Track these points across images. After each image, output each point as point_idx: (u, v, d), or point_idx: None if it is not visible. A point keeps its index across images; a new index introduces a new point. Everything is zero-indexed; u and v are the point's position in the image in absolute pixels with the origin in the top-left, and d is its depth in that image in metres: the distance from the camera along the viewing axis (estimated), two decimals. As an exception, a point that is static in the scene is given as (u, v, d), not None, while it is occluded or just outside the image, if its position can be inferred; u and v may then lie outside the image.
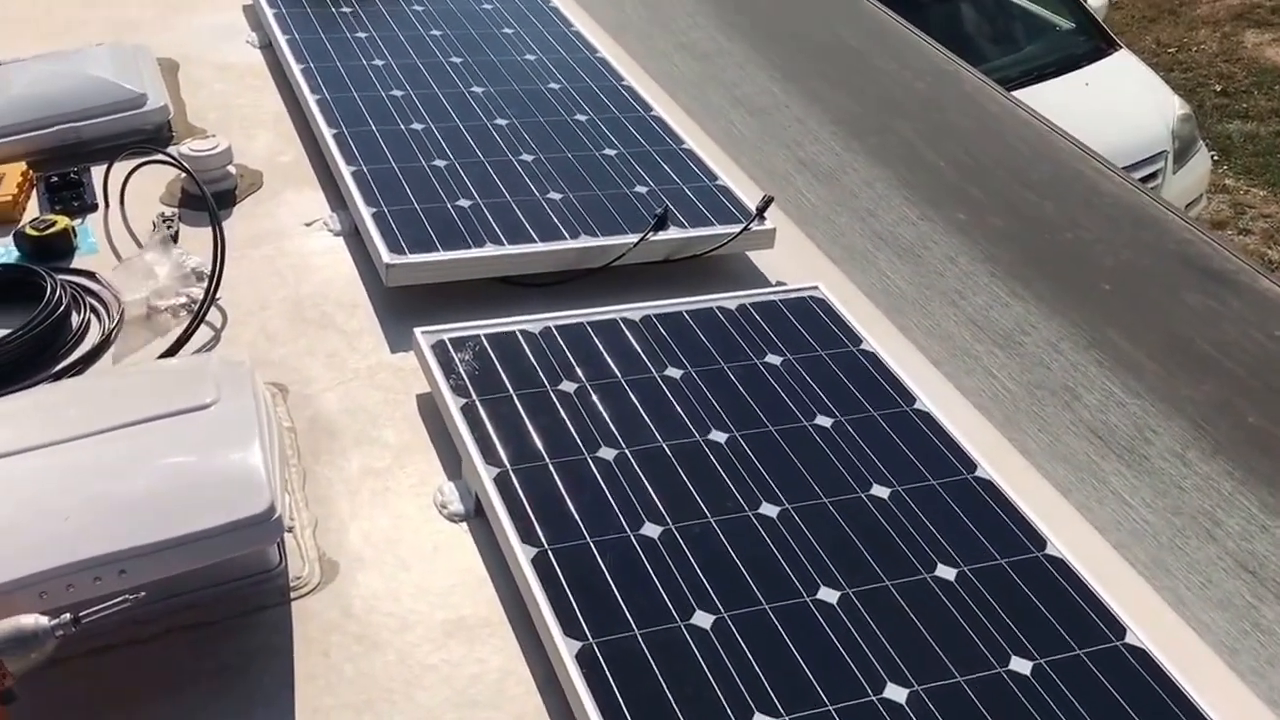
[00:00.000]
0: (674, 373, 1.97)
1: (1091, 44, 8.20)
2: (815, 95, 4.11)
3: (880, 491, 1.78)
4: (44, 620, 1.33)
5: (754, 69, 4.15)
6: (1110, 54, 8.12)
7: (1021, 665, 1.54)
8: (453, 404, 1.86)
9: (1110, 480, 2.14)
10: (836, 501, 1.76)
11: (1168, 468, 2.27)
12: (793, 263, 2.45)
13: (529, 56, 2.89)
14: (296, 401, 1.98)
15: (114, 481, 1.50)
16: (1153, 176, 7.39)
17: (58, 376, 2.01)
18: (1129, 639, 1.60)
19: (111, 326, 2.11)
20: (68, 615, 1.34)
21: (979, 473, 1.84)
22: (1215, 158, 8.65)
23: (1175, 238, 4.17)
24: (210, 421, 1.59)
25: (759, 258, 2.45)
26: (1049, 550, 1.72)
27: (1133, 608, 1.68)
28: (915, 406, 1.97)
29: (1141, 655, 1.58)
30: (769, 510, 1.73)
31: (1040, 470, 2.09)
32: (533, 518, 1.68)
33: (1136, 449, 2.31)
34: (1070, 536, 1.81)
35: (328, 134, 2.46)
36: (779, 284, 2.37)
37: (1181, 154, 7.69)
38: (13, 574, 1.39)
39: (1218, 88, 9.69)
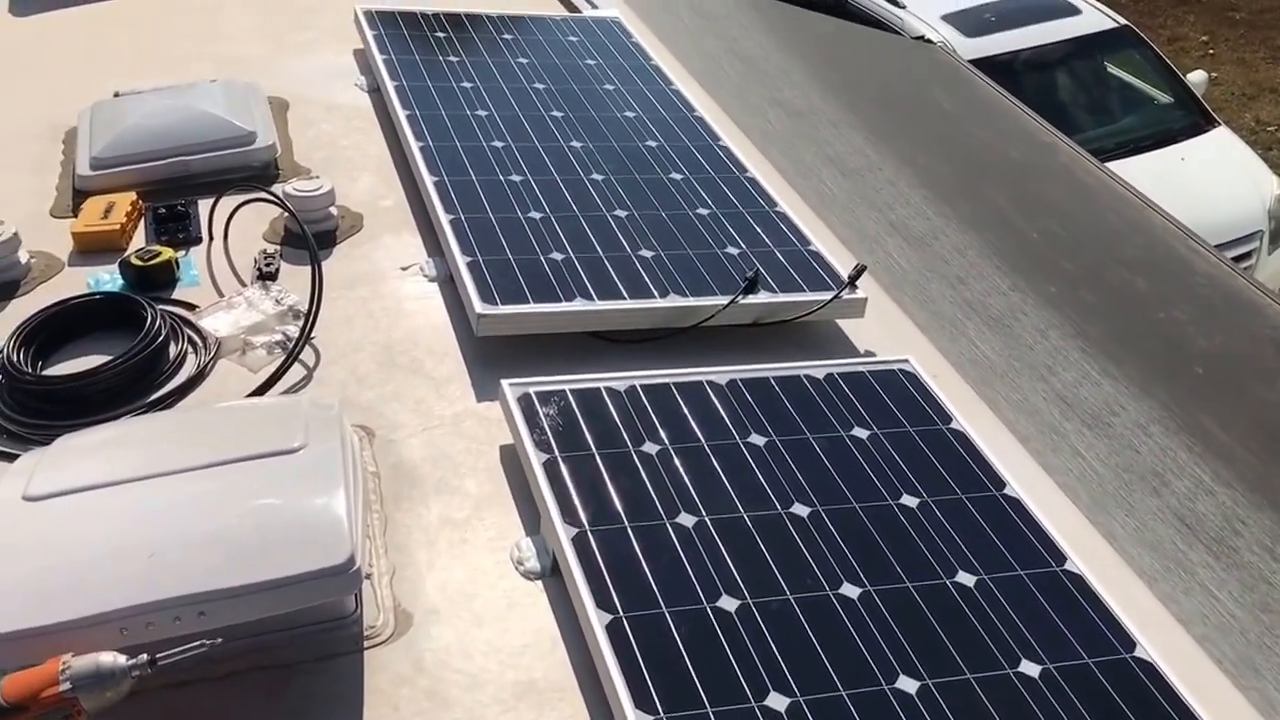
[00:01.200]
0: (757, 440, 1.96)
1: (1189, 119, 8.09)
2: (908, 158, 4.09)
3: (966, 579, 1.75)
4: (122, 659, 1.34)
5: (847, 128, 4.15)
6: (1208, 130, 8.01)
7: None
8: (535, 459, 1.86)
9: (1198, 572, 2.08)
10: (920, 587, 1.72)
11: (1257, 561, 2.21)
12: (881, 328, 2.43)
13: (628, 113, 2.91)
14: (382, 446, 1.99)
15: (199, 521, 1.52)
16: (1247, 256, 7.26)
17: (152, 407, 2.04)
18: (1217, 751, 1.55)
19: (207, 360, 2.14)
20: (145, 656, 1.35)
21: (1068, 565, 1.80)
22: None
23: (1271, 324, 4.08)
24: (298, 466, 1.60)
25: (847, 322, 2.42)
26: (1138, 653, 1.67)
27: (1221, 713, 1.63)
28: (1005, 491, 1.93)
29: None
30: (850, 591, 1.70)
31: (1125, 556, 2.04)
32: (609, 582, 1.67)
33: (1225, 540, 2.25)
34: (1155, 630, 1.77)
35: (429, 181, 2.49)
36: (867, 352, 2.34)
37: (1277, 234, 7.55)
38: (96, 608, 1.41)
39: (1321, 169, 9.49)
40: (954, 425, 2.06)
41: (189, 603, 1.43)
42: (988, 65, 6.49)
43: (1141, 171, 6.63)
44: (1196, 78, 8.41)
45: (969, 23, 8.08)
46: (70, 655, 1.33)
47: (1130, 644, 1.68)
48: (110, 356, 2.10)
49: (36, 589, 1.43)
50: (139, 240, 2.49)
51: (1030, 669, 1.62)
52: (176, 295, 2.33)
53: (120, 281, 2.34)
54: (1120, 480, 2.27)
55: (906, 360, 2.21)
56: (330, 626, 1.65)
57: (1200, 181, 7.30)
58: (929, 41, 7.02)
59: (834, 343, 2.38)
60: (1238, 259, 7.14)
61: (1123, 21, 8.35)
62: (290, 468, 1.59)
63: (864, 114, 4.38)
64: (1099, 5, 8.50)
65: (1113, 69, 8.42)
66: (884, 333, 2.43)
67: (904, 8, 8.16)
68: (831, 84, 4.59)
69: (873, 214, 3.44)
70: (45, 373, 2.11)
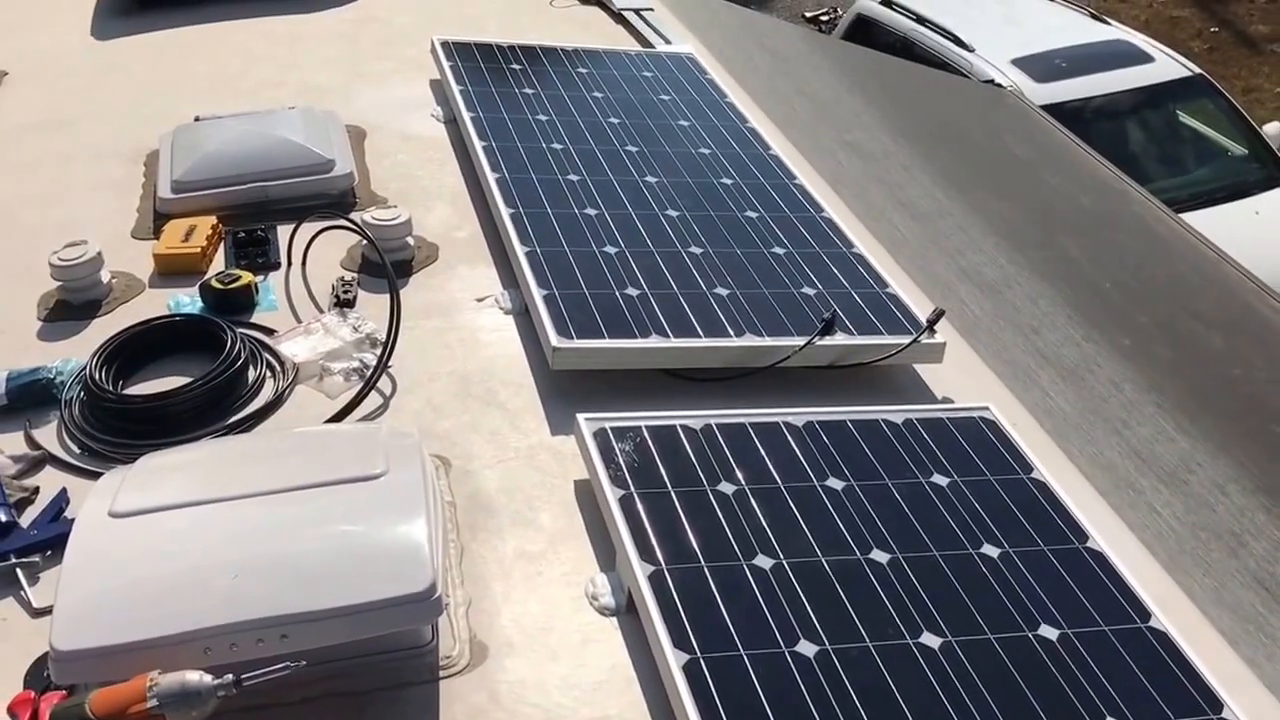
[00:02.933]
0: (835, 484, 1.94)
1: (1264, 171, 7.98)
2: (979, 204, 4.06)
3: (1049, 633, 1.71)
4: (208, 679, 1.35)
5: (918, 172, 4.13)
6: (1283, 183, 7.91)
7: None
8: (611, 495, 1.85)
9: (1279, 635, 2.03)
10: (1002, 639, 1.69)
11: None
12: (955, 375, 2.40)
13: (703, 150, 2.91)
14: (458, 476, 1.98)
15: (282, 544, 1.52)
16: (1319, 313, 7.13)
17: (230, 429, 2.05)
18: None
19: (285, 385, 2.15)
20: (230, 676, 1.35)
21: (1153, 623, 1.76)
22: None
23: (1349, 384, 4.00)
24: (379, 493, 1.60)
25: (923, 367, 2.39)
26: (1225, 714, 1.63)
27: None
28: (1088, 545, 1.89)
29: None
30: (930, 641, 1.67)
31: (1208, 616, 1.99)
32: (686, 622, 1.65)
33: None
34: (1240, 692, 1.72)
35: (505, 213, 2.50)
36: (945, 398, 2.32)
37: (1349, 291, 7.41)
38: (182, 626, 1.41)
39: (1394, 226, 9.33)
40: (1035, 475, 2.03)
41: (272, 625, 1.43)
42: (1057, 112, 6.43)
43: (1215, 224, 6.54)
44: (1272, 129, 8.30)
45: (1039, 68, 8.03)
46: (157, 672, 1.34)
47: (1218, 705, 1.64)
48: (190, 378, 2.11)
49: (124, 605, 1.44)
50: (218, 264, 2.51)
51: (1116, 728, 1.58)
52: (255, 319, 2.35)
53: (200, 304, 2.36)
54: (1198, 539, 2.23)
55: (987, 408, 2.18)
56: (406, 655, 1.64)
57: (1275, 235, 7.19)
58: (999, 86, 6.99)
59: (910, 387, 2.35)
60: (1308, 315, 7.01)
61: (1196, 70, 8.27)
62: (372, 494, 1.59)
63: (935, 158, 4.36)
64: (1172, 54, 8.43)
65: (1185, 118, 8.34)
66: (958, 378, 2.40)
67: (973, 51, 8.13)
68: (902, 127, 4.58)
69: (944, 259, 3.42)
70: (126, 392, 2.13)
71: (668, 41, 3.70)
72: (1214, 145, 8.30)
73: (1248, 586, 2.16)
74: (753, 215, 2.63)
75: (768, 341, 2.21)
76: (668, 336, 2.18)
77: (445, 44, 3.26)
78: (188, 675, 1.34)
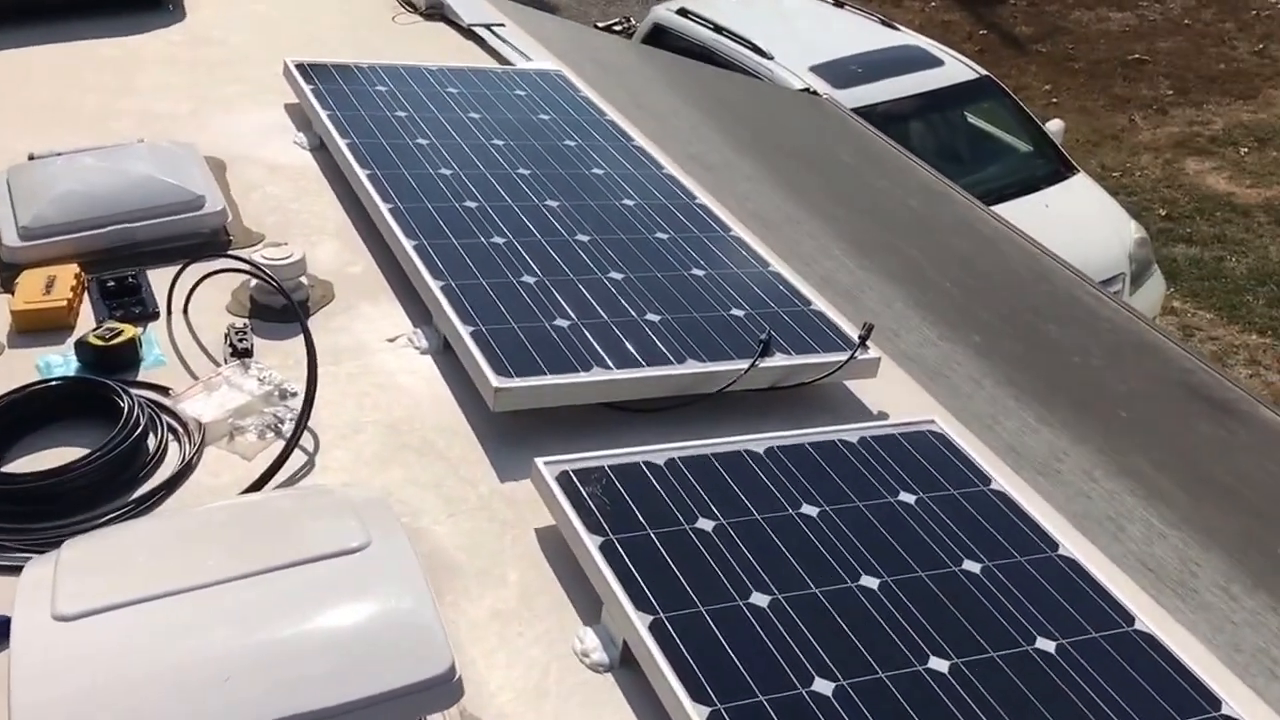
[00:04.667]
0: (810, 510, 1.87)
1: (1050, 166, 8.36)
2: (822, 211, 4.09)
3: (1046, 645, 1.69)
4: (228, 800, 1.18)
5: (761, 183, 4.13)
6: (1069, 177, 8.29)
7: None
8: (590, 543, 1.74)
9: (1167, 621, 2.06)
10: (1005, 656, 1.66)
11: (1217, 602, 2.22)
12: (882, 387, 2.37)
13: (596, 170, 2.81)
14: (410, 535, 1.83)
15: (273, 636, 1.36)
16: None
17: (139, 504, 1.85)
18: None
19: (193, 450, 1.95)
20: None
21: (1138, 625, 1.76)
22: (1161, 282, 8.83)
23: (1177, 366, 4.20)
24: (368, 567, 1.45)
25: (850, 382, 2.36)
26: (1225, 710, 1.63)
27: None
28: (1059, 552, 1.88)
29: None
30: (939, 665, 1.62)
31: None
32: (699, 672, 1.56)
33: (1185, 582, 2.26)
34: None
35: (408, 246, 2.35)
36: (881, 413, 2.28)
37: (1138, 276, 7.83)
38: (175, 744, 1.24)
39: (1162, 212, 9.93)
40: (994, 486, 2.01)
41: (280, 730, 1.27)
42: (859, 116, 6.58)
43: (1009, 219, 6.81)
44: (1054, 126, 8.70)
45: (837, 74, 8.21)
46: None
47: (1216, 702, 1.65)
48: (80, 449, 1.90)
49: (100, 724, 1.25)
50: (85, 317, 2.27)
51: (1137, 739, 1.56)
52: (141, 377, 2.13)
53: (75, 364, 2.13)
54: (1083, 528, 2.25)
55: (933, 420, 2.16)
56: (395, 741, 1.49)
57: (1065, 227, 7.53)
58: (815, 93, 7.11)
59: (842, 403, 2.31)
60: (1104, 301, 7.36)
61: (983, 72, 8.61)
62: (360, 569, 1.44)
63: (774, 167, 4.38)
64: (960, 57, 8.75)
65: (974, 119, 8.67)
66: (885, 391, 2.37)
67: (772, 58, 8.25)
68: (739, 138, 4.58)
69: (802, 267, 3.41)
70: (5, 470, 1.90)
71: (528, 58, 3.58)
72: (1002, 144, 8.65)
73: (1135, 570, 2.20)
74: (663, 237, 2.55)
75: (710, 367, 2.14)
76: (610, 368, 2.08)
77: (300, 66, 3.07)
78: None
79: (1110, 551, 2.17)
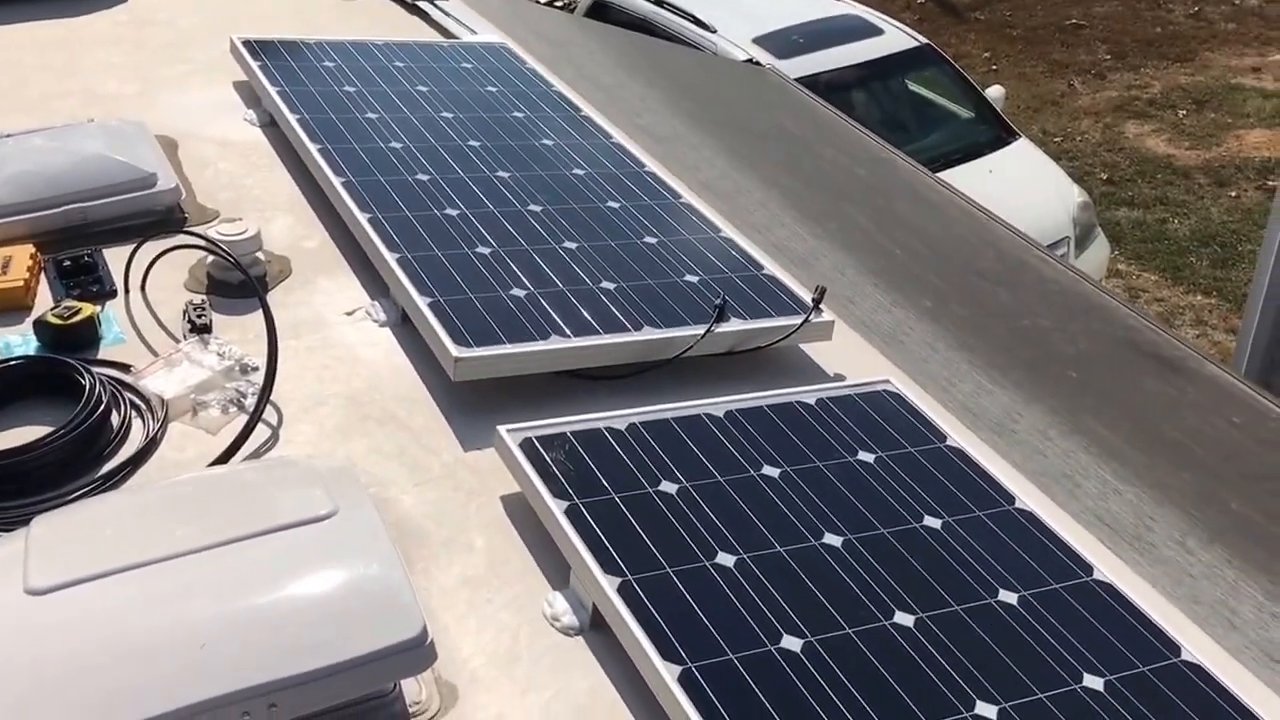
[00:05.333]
0: (771, 471, 1.90)
1: (992, 132, 8.44)
2: (771, 181, 4.12)
3: (1008, 597, 1.73)
4: (208, 764, 1.19)
5: (710, 153, 4.15)
6: (1011, 142, 8.37)
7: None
8: (555, 508, 1.76)
9: (1135, 569, 2.12)
10: (969, 609, 1.70)
11: (1174, 556, 2.27)
12: (837, 350, 2.40)
13: (545, 141, 2.82)
14: (376, 505, 1.84)
15: (246, 604, 1.37)
16: (1057, 262, 7.61)
17: (105, 480, 1.85)
18: None
19: (156, 426, 1.95)
20: (232, 758, 1.20)
21: (1097, 575, 1.81)
22: (1105, 244, 8.95)
23: (1123, 325, 4.27)
24: (337, 534, 1.46)
25: (806, 345, 2.38)
26: (1184, 656, 1.68)
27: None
28: (1016, 506, 1.92)
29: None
30: (904, 620, 1.66)
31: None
32: (669, 632, 1.58)
33: (1142, 537, 2.31)
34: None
35: (362, 219, 2.35)
36: (837, 375, 2.32)
37: (1082, 240, 7.93)
38: (154, 709, 1.25)
39: (1103, 176, 10.07)
40: (950, 442, 2.05)
41: (258, 694, 1.28)
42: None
43: (954, 186, 6.87)
44: (995, 92, 8.78)
45: (778, 45, 8.24)
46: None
47: (1175, 648, 1.69)
48: (44, 428, 1.89)
49: (77, 694, 1.26)
50: (43, 297, 2.26)
51: (1094, 682, 1.61)
52: (101, 355, 2.12)
53: (35, 344, 2.12)
54: (1040, 485, 2.30)
55: (888, 380, 2.19)
56: (371, 708, 1.51)
57: (1009, 192, 7.61)
58: (759, 64, 7.12)
59: (799, 367, 2.34)
60: (1048, 265, 7.45)
61: (923, 40, 8.66)
62: (328, 537, 1.46)
63: (721, 137, 4.40)
64: (900, 25, 8.80)
65: (915, 87, 8.73)
66: (842, 354, 2.40)
67: (714, 31, 8.26)
68: (685, 110, 4.59)
69: (755, 236, 3.44)
70: (-33, 449, 1.89)
71: (473, 31, 3.57)
72: (944, 111, 8.72)
73: (1092, 526, 2.25)
74: (615, 205, 2.57)
75: (667, 333, 2.16)
76: (568, 336, 2.10)
77: (247, 43, 3.05)
78: (183, 762, 1.19)
79: (1068, 508, 2.21)
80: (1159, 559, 2.23)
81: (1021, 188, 7.80)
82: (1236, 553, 2.36)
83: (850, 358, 2.39)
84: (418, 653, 1.36)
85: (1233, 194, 9.78)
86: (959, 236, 4.78)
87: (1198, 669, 1.66)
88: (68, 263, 2.30)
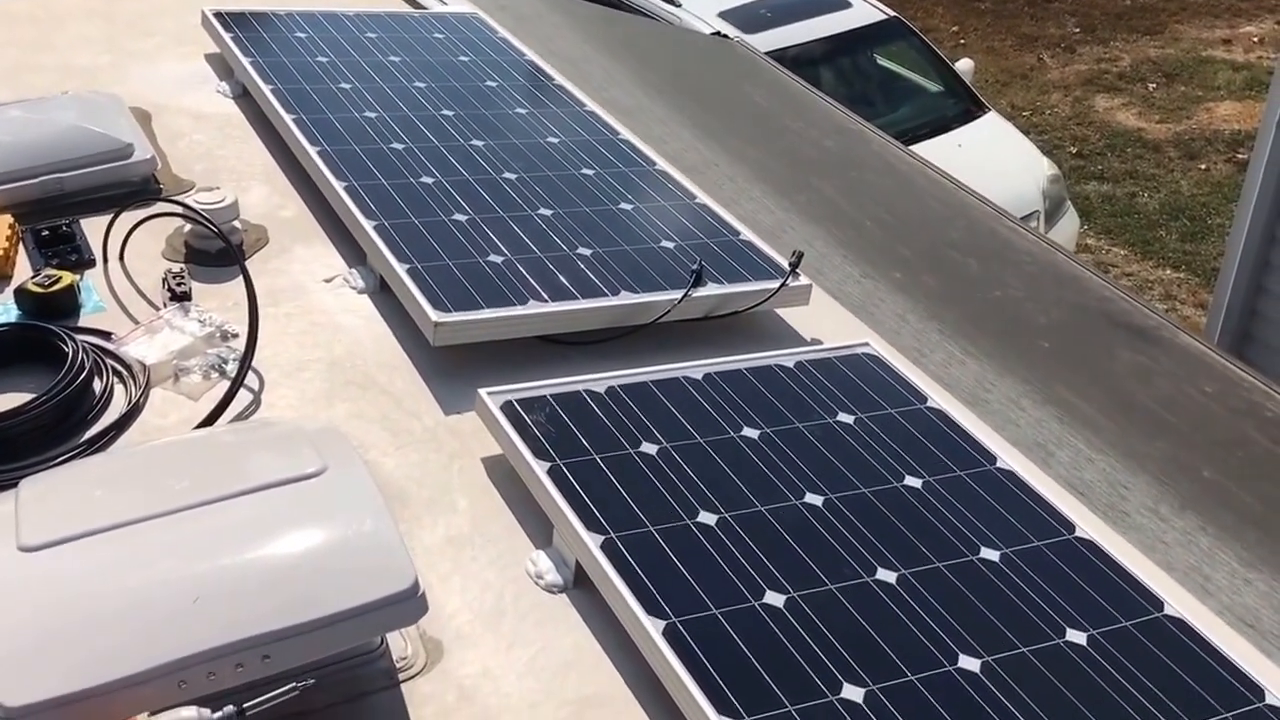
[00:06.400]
0: (751, 433, 1.92)
1: (961, 106, 8.45)
2: (739, 154, 4.13)
3: (990, 554, 1.76)
4: (207, 713, 1.21)
5: (676, 126, 4.16)
6: (980, 116, 8.39)
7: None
8: (538, 468, 1.77)
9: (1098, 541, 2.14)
10: (950, 565, 1.72)
11: (1147, 523, 2.30)
12: (814, 317, 2.42)
13: (519, 110, 2.82)
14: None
15: (240, 557, 1.38)
16: (1028, 235, 7.64)
17: (89, 445, 1.85)
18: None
19: (139, 392, 1.95)
20: (232, 707, 1.21)
21: (1079, 533, 1.83)
22: (1075, 218, 9.01)
23: (1096, 295, 4.31)
24: (327, 490, 1.47)
25: (784, 311, 2.40)
26: (1167, 611, 1.71)
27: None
28: (997, 465, 1.95)
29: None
30: (886, 576, 1.68)
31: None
32: (653, 588, 1.60)
33: (1116, 505, 2.34)
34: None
35: (338, 188, 2.35)
36: (814, 340, 2.34)
37: (1052, 214, 7.97)
38: (151, 661, 1.26)
39: (1073, 150, 10.12)
40: (931, 404, 2.08)
41: (252, 645, 1.29)
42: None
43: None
44: (964, 65, 8.79)
45: (746, 19, 8.22)
46: (148, 715, 1.19)
47: (1159, 603, 1.72)
48: (27, 394, 1.89)
49: (74, 646, 1.27)
50: (21, 266, 2.25)
51: (1077, 637, 1.64)
52: (82, 323, 2.12)
53: (15, 312, 2.11)
54: (1011, 454, 2.34)
55: (867, 344, 2.21)
56: (357, 664, 1.52)
57: (978, 166, 7.64)
58: (726, 37, 7.12)
59: (777, 333, 2.35)
60: (1018, 238, 7.49)
61: (891, 14, 8.67)
62: (319, 493, 1.47)
63: (686, 110, 4.41)
64: (867, -1, 8.79)
65: (884, 61, 8.74)
66: (820, 322, 2.42)
67: (680, 5, 8.24)
68: (651, 83, 4.59)
69: (722, 209, 3.46)
70: (-53, 415, 1.88)
71: (443, 2, 3.56)
72: (913, 84, 8.74)
73: (1062, 496, 2.29)
74: (589, 173, 2.57)
75: (644, 298, 2.17)
76: (545, 301, 2.11)
77: (218, 14, 3.04)
78: (182, 713, 1.20)
79: (1041, 478, 2.25)
80: (1132, 526, 2.26)
81: (991, 161, 7.81)
82: (1209, 520, 2.39)
83: (825, 324, 2.41)
84: (410, 604, 1.37)
85: (1203, 167, 9.86)
86: (929, 207, 4.80)
87: (1180, 623, 1.68)
88: (46, 232, 2.30)
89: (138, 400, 1.94)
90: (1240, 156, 9.73)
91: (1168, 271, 8.60)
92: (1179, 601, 1.88)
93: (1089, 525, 2.03)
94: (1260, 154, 6.94)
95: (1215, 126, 10.45)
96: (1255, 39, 12.17)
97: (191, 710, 1.20)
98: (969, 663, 1.57)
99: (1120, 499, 2.38)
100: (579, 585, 1.69)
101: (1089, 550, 1.80)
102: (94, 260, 2.27)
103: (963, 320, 3.30)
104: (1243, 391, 3.41)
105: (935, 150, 7.75)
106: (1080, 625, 1.65)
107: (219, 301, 2.19)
